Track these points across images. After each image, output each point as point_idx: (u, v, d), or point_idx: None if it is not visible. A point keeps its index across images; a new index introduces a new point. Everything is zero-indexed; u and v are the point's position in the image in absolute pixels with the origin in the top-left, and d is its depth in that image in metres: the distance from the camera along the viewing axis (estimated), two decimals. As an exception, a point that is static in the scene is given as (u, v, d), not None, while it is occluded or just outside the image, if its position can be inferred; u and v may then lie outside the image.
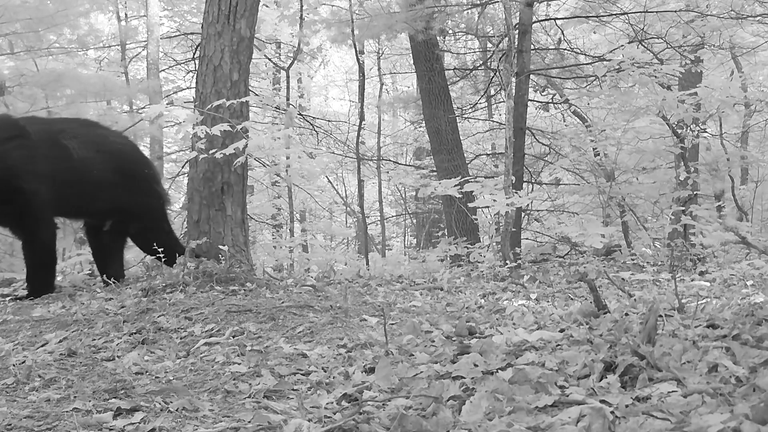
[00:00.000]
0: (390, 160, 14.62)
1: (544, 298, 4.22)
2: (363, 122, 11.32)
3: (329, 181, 16.81)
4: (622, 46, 9.01)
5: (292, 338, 3.04)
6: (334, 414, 1.92)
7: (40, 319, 3.56)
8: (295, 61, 12.65)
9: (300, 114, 12.87)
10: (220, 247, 4.50)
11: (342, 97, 21.02)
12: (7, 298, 4.42)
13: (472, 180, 6.68)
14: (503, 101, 8.62)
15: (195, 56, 10.59)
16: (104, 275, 4.92)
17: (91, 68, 13.85)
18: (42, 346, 3.00)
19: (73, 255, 7.70)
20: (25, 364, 2.62)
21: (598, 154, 8.20)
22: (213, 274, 4.27)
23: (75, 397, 2.25)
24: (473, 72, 11.59)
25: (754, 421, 1.48)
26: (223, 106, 4.47)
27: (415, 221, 17.15)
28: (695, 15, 8.21)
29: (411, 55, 10.59)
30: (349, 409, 1.92)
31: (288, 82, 12.07)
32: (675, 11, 8.50)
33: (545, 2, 10.66)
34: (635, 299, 3.70)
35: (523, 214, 9.58)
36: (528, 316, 3.28)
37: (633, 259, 6.23)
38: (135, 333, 3.14)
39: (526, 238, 10.37)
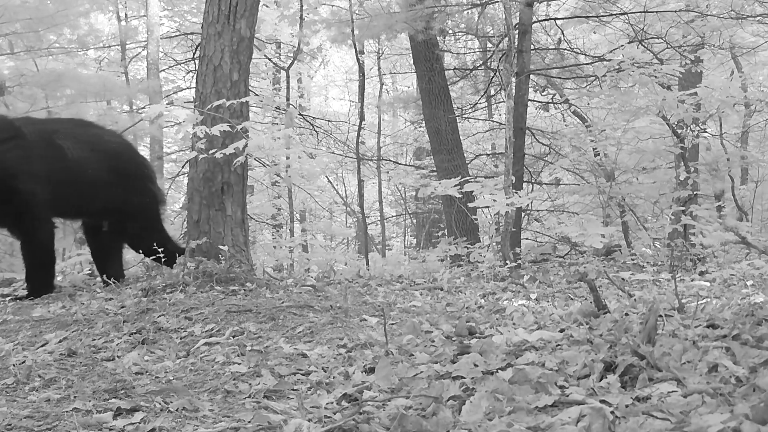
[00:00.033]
0: (390, 160, 14.62)
1: (544, 298, 4.22)
2: (363, 122, 11.32)
3: (329, 181, 16.81)
4: (622, 46, 9.01)
5: (292, 338, 3.04)
6: (334, 414, 1.92)
7: (40, 319, 3.56)
8: (295, 61, 12.65)
9: (300, 114, 12.87)
10: (220, 247, 4.50)
11: (342, 97, 21.04)
12: (7, 298, 4.42)
13: (472, 180, 6.67)
14: (503, 101, 8.62)
15: (195, 56, 10.59)
16: (104, 275, 4.92)
17: (91, 68, 13.85)
18: (42, 346, 3.00)
19: (73, 255, 7.70)
20: (25, 364, 2.62)
21: (598, 154, 8.20)
22: (213, 274, 4.27)
23: (75, 397, 2.25)
24: (473, 72, 11.59)
25: (754, 421, 1.48)
26: (223, 106, 4.47)
27: (415, 221, 17.15)
28: (695, 15, 8.21)
29: (411, 55, 10.59)
30: (349, 409, 1.92)
31: (288, 82, 12.07)
32: (675, 11, 8.50)
33: (545, 2, 10.66)
34: (635, 299, 3.70)
35: (523, 214, 9.58)
36: (528, 316, 3.28)
37: (633, 259, 6.23)
38: (135, 333, 3.14)
39: (526, 238, 10.37)
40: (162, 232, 5.20)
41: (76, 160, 4.64)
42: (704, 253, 6.28)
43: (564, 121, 11.72)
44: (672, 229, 6.62)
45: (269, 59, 14.01)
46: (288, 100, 12.09)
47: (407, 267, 9.06)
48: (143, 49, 12.97)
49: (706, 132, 10.25)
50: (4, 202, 4.34)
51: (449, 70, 10.86)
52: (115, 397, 2.22)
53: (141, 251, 4.91)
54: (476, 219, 8.79)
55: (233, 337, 3.07)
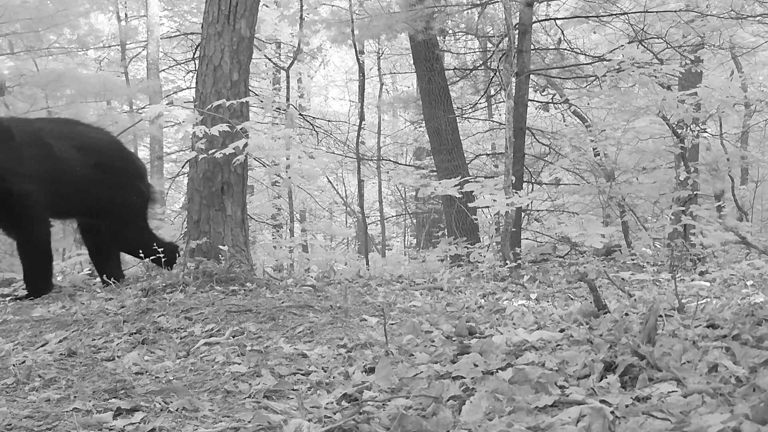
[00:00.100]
0: (390, 160, 14.62)
1: (544, 298, 4.22)
2: (363, 122, 11.33)
3: (329, 181, 16.81)
4: (622, 46, 9.00)
5: (292, 338, 3.04)
6: (334, 414, 1.92)
7: (40, 319, 3.56)
8: (295, 61, 12.65)
9: (300, 114, 12.87)
10: (220, 247, 4.50)
11: (342, 97, 21.04)
12: (7, 298, 4.41)
13: (472, 180, 6.68)
14: (503, 101, 8.62)
15: (195, 56, 10.58)
16: (103, 275, 4.92)
17: (91, 68, 13.85)
18: (42, 346, 3.00)
19: (73, 255, 7.70)
20: (25, 364, 2.62)
21: (598, 154, 8.20)
22: (213, 274, 4.27)
23: (75, 397, 2.25)
24: (473, 72, 11.59)
25: (754, 421, 1.48)
26: (223, 106, 4.47)
27: (415, 221, 17.15)
28: (695, 15, 8.21)
29: (411, 55, 10.59)
30: (349, 409, 1.92)
31: (288, 82, 12.07)
32: (675, 11, 8.50)
33: (545, 2, 10.66)
34: (635, 299, 3.70)
35: (523, 214, 9.59)
36: (528, 316, 3.28)
37: (633, 259, 6.23)
38: (135, 333, 3.14)
39: (526, 238, 10.37)
40: (145, 230, 5.11)
41: (64, 158, 4.62)
42: (704, 253, 6.28)
43: (564, 121, 11.73)
44: (672, 229, 6.62)
45: (269, 59, 14.01)
46: (288, 100, 12.09)
47: (407, 267, 9.07)
48: (143, 49, 12.98)
49: (706, 132, 10.25)
50: None
51: (449, 70, 10.86)
52: (115, 397, 2.22)
53: (122, 249, 4.86)
54: (476, 219, 8.79)
55: (233, 337, 3.07)
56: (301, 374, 2.47)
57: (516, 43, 7.32)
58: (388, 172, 12.93)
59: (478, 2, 9.83)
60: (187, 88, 13.36)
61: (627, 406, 1.70)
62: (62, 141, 4.67)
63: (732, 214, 10.65)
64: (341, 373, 2.42)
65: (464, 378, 2.07)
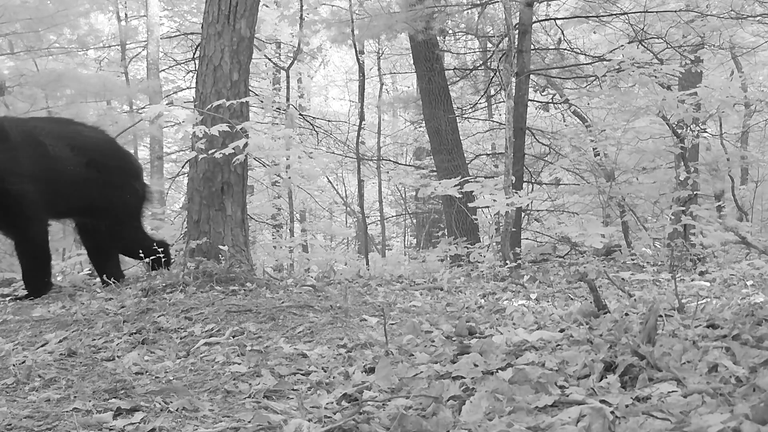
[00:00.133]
0: (390, 160, 14.62)
1: (544, 298, 4.22)
2: (363, 122, 11.33)
3: (329, 181, 16.81)
4: (622, 46, 9.01)
5: (292, 338, 3.04)
6: (334, 414, 1.92)
7: (40, 319, 3.56)
8: (295, 61, 12.65)
9: (300, 114, 12.87)
10: (220, 247, 4.50)
11: (342, 97, 21.04)
12: (7, 298, 4.41)
13: (472, 180, 6.68)
14: (503, 101, 8.62)
15: (195, 56, 10.58)
16: (103, 275, 4.91)
17: (91, 68, 13.85)
18: (42, 346, 3.00)
19: (73, 255, 7.70)
20: (25, 364, 2.62)
21: (598, 154, 8.20)
22: (213, 274, 4.27)
23: (75, 397, 2.25)
24: (473, 72, 11.59)
25: (754, 421, 1.48)
26: (223, 106, 4.47)
27: (415, 221, 17.15)
28: (695, 15, 8.21)
29: (411, 55, 10.59)
30: (349, 409, 1.92)
31: (288, 82, 12.07)
32: (675, 11, 8.50)
33: (545, 2, 10.66)
34: (635, 299, 3.70)
35: (523, 214, 9.58)
36: (528, 316, 3.28)
37: (633, 259, 6.24)
38: (135, 333, 3.14)
39: (526, 238, 10.37)
40: (138, 230, 5.10)
41: (59, 157, 4.61)
42: (704, 253, 6.29)
43: (564, 121, 11.73)
44: (672, 229, 6.62)
45: (269, 59, 14.01)
46: (288, 100, 12.09)
47: (407, 267, 9.07)
48: (143, 49, 12.98)
49: (706, 132, 10.25)
50: None
51: (449, 70, 10.86)
52: (115, 397, 2.22)
53: (118, 248, 4.85)
54: (476, 219, 8.79)
55: (233, 337, 3.07)
56: (301, 374, 2.47)
57: (516, 43, 7.32)
58: (388, 172, 12.93)
59: (478, 2, 9.83)
60: (187, 88, 13.36)
61: (627, 406, 1.70)
62: (57, 140, 4.66)
63: (732, 214, 10.65)
64: (341, 373, 2.42)
65: (464, 378, 2.07)
